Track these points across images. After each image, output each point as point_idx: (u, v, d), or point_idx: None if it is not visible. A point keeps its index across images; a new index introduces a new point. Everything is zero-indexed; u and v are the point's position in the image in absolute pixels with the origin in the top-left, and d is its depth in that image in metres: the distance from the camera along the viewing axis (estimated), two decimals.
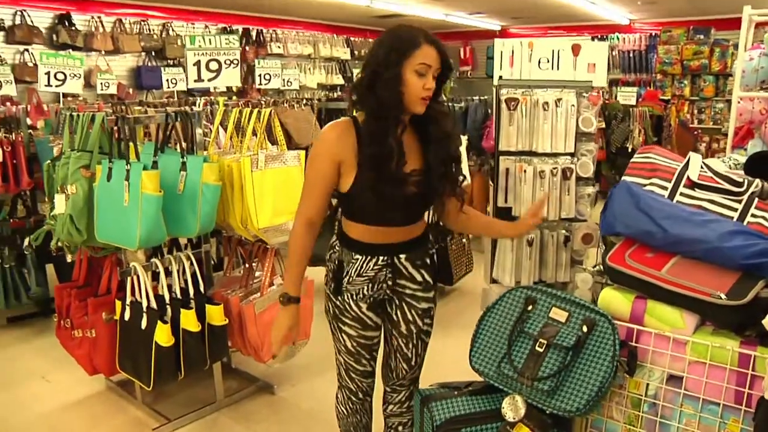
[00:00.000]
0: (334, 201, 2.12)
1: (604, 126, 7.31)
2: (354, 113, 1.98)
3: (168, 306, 2.95)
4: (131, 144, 2.88)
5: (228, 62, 3.78)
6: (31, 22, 7.53)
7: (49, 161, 3.27)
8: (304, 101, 5.57)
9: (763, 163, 2.18)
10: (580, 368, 1.79)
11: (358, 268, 2.04)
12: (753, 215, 1.84)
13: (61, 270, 4.38)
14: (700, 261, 1.78)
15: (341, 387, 2.29)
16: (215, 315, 3.03)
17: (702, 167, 2.01)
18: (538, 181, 2.41)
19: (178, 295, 3.02)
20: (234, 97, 6.22)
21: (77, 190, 2.91)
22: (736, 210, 1.87)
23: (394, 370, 2.26)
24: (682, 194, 1.96)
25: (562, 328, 1.86)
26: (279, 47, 10.29)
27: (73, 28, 7.89)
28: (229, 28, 9.69)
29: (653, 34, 10.61)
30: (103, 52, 8.17)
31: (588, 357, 1.80)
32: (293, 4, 9.03)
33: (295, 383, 3.63)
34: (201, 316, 2.99)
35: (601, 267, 2.24)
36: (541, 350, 1.84)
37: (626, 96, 7.75)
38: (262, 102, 4.41)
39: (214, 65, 3.73)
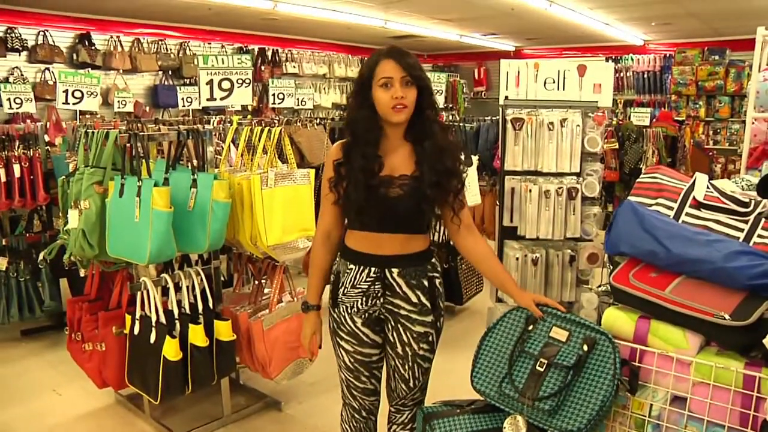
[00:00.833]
0: None
1: (617, 147, 7.28)
2: None
3: (177, 321, 2.97)
4: (143, 161, 2.92)
5: (240, 81, 3.84)
6: (53, 41, 7.71)
7: (63, 177, 3.33)
8: (317, 120, 5.62)
9: None
10: (581, 387, 1.78)
11: (352, 278, 2.09)
12: (759, 235, 1.83)
13: (74, 284, 4.44)
14: (705, 281, 1.78)
15: (345, 405, 2.31)
16: (223, 331, 3.05)
17: (708, 187, 2.01)
18: (543, 200, 2.41)
19: (188, 311, 3.05)
20: (249, 116, 6.29)
21: (90, 205, 2.96)
22: (742, 230, 1.86)
23: (395, 390, 2.25)
24: (687, 214, 1.95)
25: (563, 347, 1.85)
26: (294, 67, 10.40)
27: (93, 47, 8.06)
28: (245, 48, 9.82)
29: (668, 55, 10.59)
30: (121, 71, 8.32)
31: (589, 376, 1.79)
32: (309, 25, 9.14)
33: (302, 400, 3.63)
34: (209, 331, 3.01)
35: (608, 287, 2.23)
36: (541, 370, 1.83)
37: (640, 117, 7.72)
38: (276, 121, 4.46)
39: (226, 84, 3.79)
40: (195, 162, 3.05)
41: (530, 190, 2.42)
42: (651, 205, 2.01)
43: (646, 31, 10.06)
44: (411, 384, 2.20)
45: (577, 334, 1.86)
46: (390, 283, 2.08)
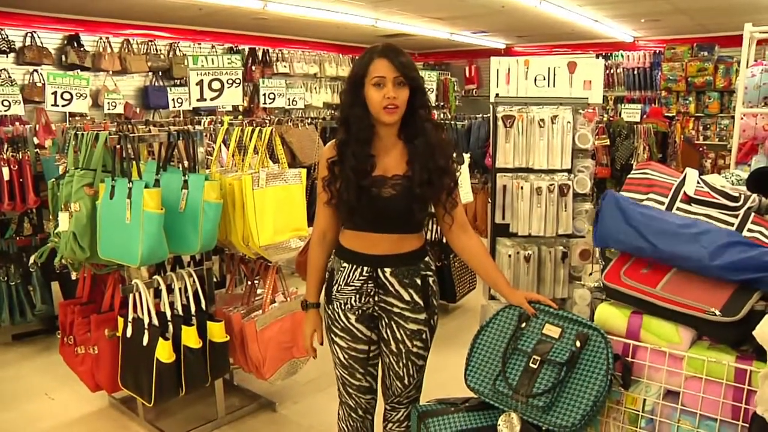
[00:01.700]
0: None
1: (608, 143, 7.31)
2: None
3: (170, 323, 2.96)
4: (134, 162, 2.91)
5: (230, 82, 3.82)
6: (41, 43, 7.66)
7: (53, 179, 3.31)
8: (309, 120, 5.61)
9: (764, 179, 2.17)
10: (574, 383, 1.79)
11: (346, 276, 2.11)
12: (749, 230, 1.84)
13: (66, 287, 4.42)
14: (695, 274, 1.79)
15: (341, 403, 2.31)
16: (216, 332, 3.04)
17: (699, 182, 2.02)
18: (535, 197, 2.42)
19: (180, 312, 3.03)
20: (240, 117, 6.27)
21: (80, 207, 2.94)
22: (732, 225, 1.87)
23: (390, 388, 2.25)
24: (678, 209, 1.96)
25: (556, 343, 1.86)
26: (285, 66, 10.38)
27: (82, 48, 8.01)
28: (235, 48, 9.79)
29: (657, 51, 10.64)
30: (110, 72, 8.27)
31: (582, 372, 1.80)
32: (299, 24, 9.13)
33: (297, 400, 3.62)
34: (202, 332, 3.00)
35: (600, 283, 2.24)
36: (535, 367, 1.84)
37: (630, 113, 7.76)
38: (267, 121, 4.45)
39: (216, 84, 3.78)
40: (186, 163, 3.04)
41: (522, 188, 2.42)
42: (642, 201, 2.02)
43: (636, 28, 10.10)
44: (406, 381, 2.20)
45: (570, 331, 1.87)
46: (383, 282, 2.09)
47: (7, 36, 7.35)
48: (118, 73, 8.38)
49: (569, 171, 2.46)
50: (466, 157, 4.68)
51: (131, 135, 2.98)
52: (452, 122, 5.25)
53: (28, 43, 7.57)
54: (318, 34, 10.60)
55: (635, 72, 10.80)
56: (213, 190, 2.90)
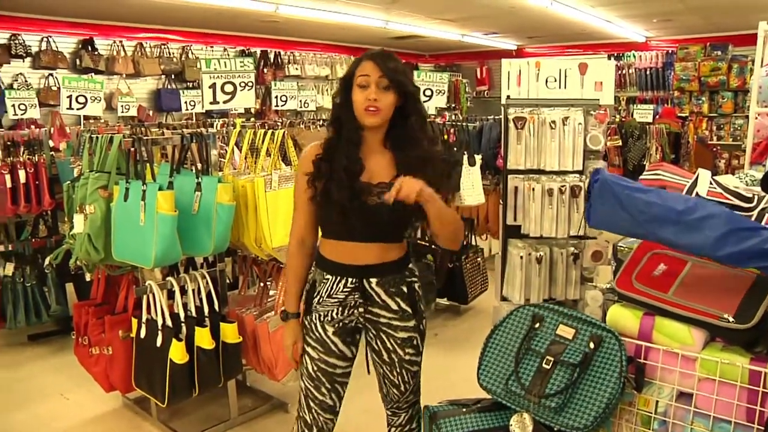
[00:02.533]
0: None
1: (620, 144, 7.29)
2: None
3: (183, 324, 2.99)
4: (148, 165, 2.94)
5: (243, 84, 3.84)
6: (56, 47, 7.74)
7: (68, 182, 3.35)
8: (320, 122, 5.63)
9: None
10: (587, 385, 1.79)
11: (329, 288, 2.04)
12: None
13: (81, 288, 4.45)
14: (707, 275, 1.77)
15: (298, 417, 2.20)
16: (229, 333, 3.06)
17: (711, 183, 2.00)
18: (546, 198, 2.42)
19: (194, 314, 3.06)
20: (252, 119, 6.31)
21: (95, 210, 2.98)
22: None
23: (387, 395, 2.22)
24: None
25: (569, 344, 1.85)
26: (297, 69, 10.43)
27: (96, 52, 8.10)
28: (247, 51, 9.84)
29: (670, 51, 10.59)
30: (124, 76, 8.36)
31: (595, 373, 1.79)
32: (310, 27, 9.16)
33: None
34: (215, 334, 3.02)
35: (612, 284, 2.23)
36: (548, 367, 1.83)
37: (643, 114, 7.74)
38: (279, 123, 4.47)
39: (229, 87, 3.80)
40: (199, 165, 3.07)
41: (533, 189, 2.42)
42: None
43: (648, 28, 10.05)
44: (402, 388, 2.17)
45: (584, 332, 1.86)
46: (369, 294, 2.04)
47: (23, 41, 7.45)
48: (131, 76, 8.47)
49: (581, 172, 2.46)
50: (478, 158, 4.67)
51: (145, 138, 3.00)
52: (464, 124, 5.24)
53: (44, 47, 7.66)
54: (329, 37, 10.64)
55: (647, 72, 10.75)
56: (226, 192, 2.92)
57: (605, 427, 1.87)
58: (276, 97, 6.58)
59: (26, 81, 7.48)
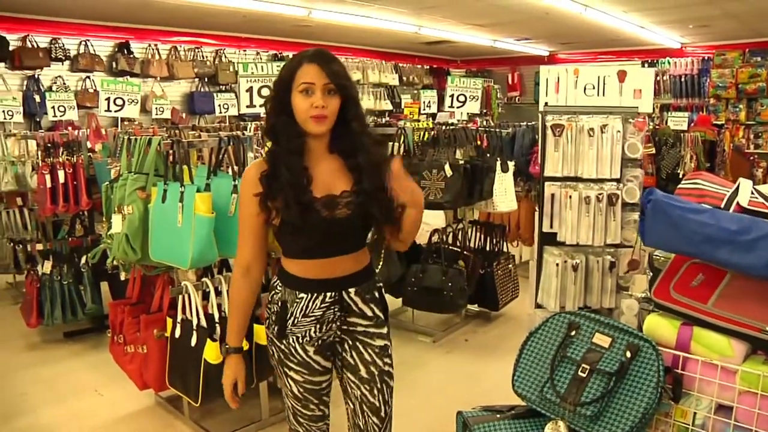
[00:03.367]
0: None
1: (654, 152, 7.19)
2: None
3: (217, 324, 3.01)
4: (185, 167, 2.98)
5: None
6: (94, 51, 7.91)
7: (107, 183, 3.41)
8: None
9: None
10: (623, 394, 1.77)
11: (304, 307, 1.92)
12: None
13: (115, 287, 4.54)
14: (748, 286, 1.75)
15: (291, 431, 2.14)
16: (262, 334, 3.08)
17: (752, 193, 1.97)
18: (583, 206, 2.40)
19: (227, 314, 3.09)
20: None
21: (133, 210, 3.03)
22: None
23: (365, 428, 2.04)
24: None
25: (606, 353, 1.84)
26: None
27: (131, 55, 8.25)
28: (279, 55, 9.93)
29: (706, 57, 10.42)
30: (158, 78, 8.50)
31: (632, 383, 1.78)
32: (342, 31, 9.22)
33: (339, 404, 3.63)
34: (249, 335, 3.05)
35: (648, 293, 2.20)
36: (584, 375, 1.82)
37: (677, 121, 7.61)
38: None
39: (265, 91, 3.84)
40: (236, 168, 3.10)
41: (570, 197, 2.41)
42: None
43: (683, 34, 9.91)
44: (382, 413, 2.02)
45: (621, 341, 1.85)
46: (348, 304, 1.96)
47: (63, 44, 7.62)
48: (165, 79, 8.61)
49: (618, 180, 2.44)
50: (511, 164, 4.66)
51: (183, 140, 3.05)
52: (496, 130, 5.23)
53: (81, 51, 7.82)
54: (361, 41, 10.69)
55: (682, 79, 10.60)
56: None
57: None
58: None
59: (65, 83, 7.66)
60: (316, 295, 1.92)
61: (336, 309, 1.94)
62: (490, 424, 2.01)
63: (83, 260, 4.58)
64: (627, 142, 2.42)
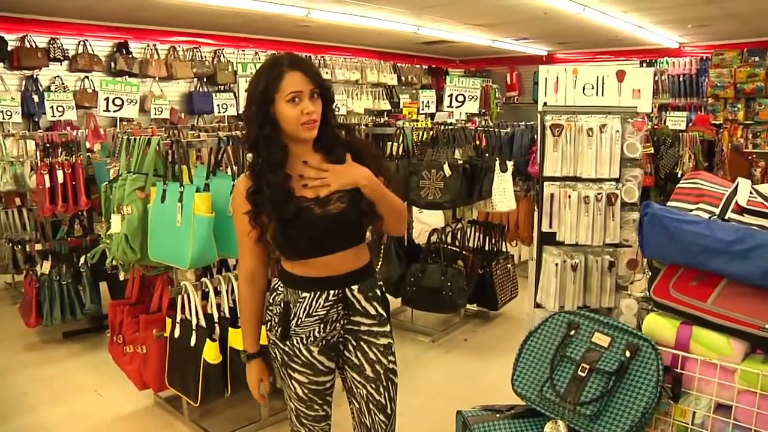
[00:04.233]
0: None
1: (653, 152, 7.20)
2: None
3: (216, 324, 3.02)
4: (184, 167, 2.98)
5: None
6: (92, 51, 7.90)
7: (106, 183, 3.41)
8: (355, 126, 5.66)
9: None
10: (623, 393, 1.78)
11: (307, 307, 1.92)
12: None
13: (114, 287, 4.53)
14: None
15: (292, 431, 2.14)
16: (263, 334, 3.09)
17: (751, 192, 1.98)
18: (582, 206, 2.41)
19: (227, 314, 3.09)
20: None
21: (132, 210, 3.03)
22: None
23: (372, 427, 2.04)
24: (730, 219, 1.93)
25: (605, 352, 1.85)
26: (327, 73, 10.48)
27: (130, 55, 8.25)
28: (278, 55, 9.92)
29: (704, 57, 10.44)
30: (157, 78, 8.49)
31: (631, 382, 1.78)
32: (341, 31, 9.22)
33: (339, 403, 3.63)
34: None
35: (647, 293, 2.21)
36: (583, 375, 1.83)
37: (676, 121, 7.62)
38: None
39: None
40: (235, 168, 3.10)
41: (569, 196, 2.41)
42: (692, 210, 1.98)
43: (682, 34, 9.92)
44: (388, 410, 2.03)
45: (620, 340, 1.85)
46: (351, 302, 1.95)
47: (61, 44, 7.62)
48: (164, 79, 8.61)
49: (617, 180, 2.44)
50: (510, 164, 4.66)
51: (182, 141, 3.05)
52: (495, 129, 5.23)
53: (80, 51, 7.82)
54: (359, 41, 10.69)
55: (681, 79, 10.62)
56: None
57: None
58: None
59: (63, 83, 7.65)
60: (319, 293, 1.91)
61: (340, 307, 1.94)
62: (489, 424, 2.01)
63: (82, 260, 4.58)
64: (626, 141, 2.42)
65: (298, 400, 2.02)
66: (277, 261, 2.08)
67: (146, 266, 3.27)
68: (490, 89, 11.42)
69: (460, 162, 4.20)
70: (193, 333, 2.98)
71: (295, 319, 1.93)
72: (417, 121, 5.93)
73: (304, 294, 1.92)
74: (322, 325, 1.94)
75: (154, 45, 8.57)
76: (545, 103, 2.58)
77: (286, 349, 1.97)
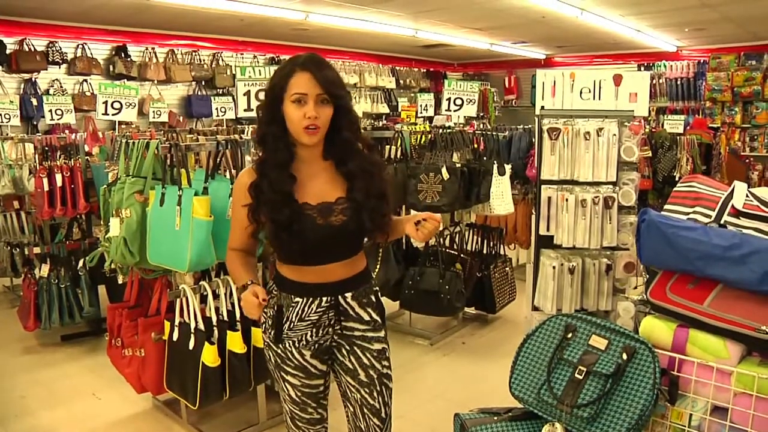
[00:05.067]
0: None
1: (650, 155, 7.22)
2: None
3: (215, 328, 3.02)
4: (183, 170, 2.99)
5: None
6: (91, 54, 7.90)
7: (105, 186, 3.41)
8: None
9: None
10: (620, 396, 1.79)
11: (300, 311, 1.92)
12: None
13: (112, 291, 4.54)
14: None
15: None
16: (260, 338, 3.08)
17: (747, 196, 1.99)
18: (579, 209, 2.42)
19: (225, 318, 3.09)
20: None
21: (131, 214, 3.03)
22: None
23: (366, 430, 2.04)
24: (726, 223, 1.94)
25: (602, 355, 1.85)
26: None
27: (129, 59, 8.25)
28: (276, 58, 9.94)
29: (702, 60, 10.46)
30: (155, 82, 8.50)
31: (628, 385, 1.79)
32: (339, 35, 9.23)
33: (336, 407, 3.64)
34: (247, 338, 3.05)
35: (644, 296, 2.22)
36: (580, 377, 1.84)
37: (673, 124, 7.64)
38: None
39: (263, 95, 3.85)
40: (233, 171, 3.11)
41: (567, 200, 2.42)
42: (688, 214, 1.99)
43: (680, 37, 9.94)
44: (383, 413, 2.03)
45: (617, 343, 1.86)
46: (344, 309, 1.95)
47: (60, 48, 7.62)
48: (162, 82, 8.61)
49: (614, 183, 2.46)
50: (507, 168, 4.67)
51: (181, 144, 3.06)
52: (493, 133, 5.24)
53: (78, 54, 7.82)
54: (358, 45, 10.69)
55: (678, 82, 10.63)
56: None
57: None
58: None
59: (62, 87, 7.65)
60: (311, 299, 1.92)
61: (332, 314, 1.94)
62: (487, 426, 2.02)
63: (81, 263, 4.58)
64: (623, 145, 2.44)
65: (292, 403, 2.03)
66: (274, 264, 2.08)
67: (145, 269, 3.27)
68: (488, 93, 11.46)
69: (458, 165, 4.21)
70: (192, 336, 2.98)
71: (288, 322, 1.93)
72: (415, 124, 5.95)
73: (297, 299, 1.92)
74: (314, 330, 1.95)
75: (153, 48, 8.57)
76: (543, 107, 2.59)
77: (279, 351, 1.98)
